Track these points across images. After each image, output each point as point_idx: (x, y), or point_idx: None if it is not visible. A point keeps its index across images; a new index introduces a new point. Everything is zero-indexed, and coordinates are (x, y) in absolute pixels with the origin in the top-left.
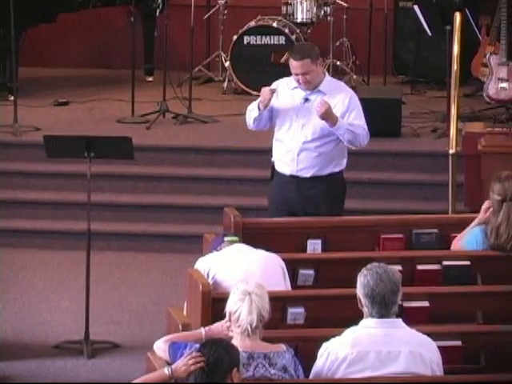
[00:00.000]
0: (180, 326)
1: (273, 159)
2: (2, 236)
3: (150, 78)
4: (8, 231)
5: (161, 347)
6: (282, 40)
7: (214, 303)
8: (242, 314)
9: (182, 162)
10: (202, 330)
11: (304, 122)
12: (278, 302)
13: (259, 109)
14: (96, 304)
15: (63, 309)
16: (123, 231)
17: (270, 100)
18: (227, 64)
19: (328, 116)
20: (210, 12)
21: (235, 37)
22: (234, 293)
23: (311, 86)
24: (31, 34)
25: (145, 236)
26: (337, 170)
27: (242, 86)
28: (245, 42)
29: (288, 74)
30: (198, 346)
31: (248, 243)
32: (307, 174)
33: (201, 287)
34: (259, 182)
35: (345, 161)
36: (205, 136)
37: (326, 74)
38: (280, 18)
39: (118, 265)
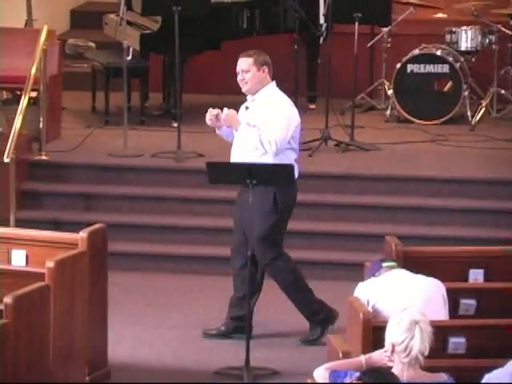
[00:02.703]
0: (340, 354)
1: None
2: (163, 261)
3: (313, 106)
4: (168, 257)
5: (321, 375)
6: (445, 68)
7: (374, 331)
8: (413, 343)
9: (344, 190)
10: (362, 358)
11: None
12: (439, 331)
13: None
14: (257, 330)
15: None
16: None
17: (214, 122)
18: (390, 92)
19: (229, 123)
20: (374, 40)
21: (399, 65)
22: (399, 323)
23: (248, 87)
24: (194, 61)
25: (305, 263)
26: None
27: (405, 114)
28: (408, 70)
29: (449, 102)
30: (358, 374)
31: (410, 272)
32: None
33: (361, 316)
34: (418, 210)
35: None
36: (366, 164)
37: (272, 85)
38: (444, 46)
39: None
